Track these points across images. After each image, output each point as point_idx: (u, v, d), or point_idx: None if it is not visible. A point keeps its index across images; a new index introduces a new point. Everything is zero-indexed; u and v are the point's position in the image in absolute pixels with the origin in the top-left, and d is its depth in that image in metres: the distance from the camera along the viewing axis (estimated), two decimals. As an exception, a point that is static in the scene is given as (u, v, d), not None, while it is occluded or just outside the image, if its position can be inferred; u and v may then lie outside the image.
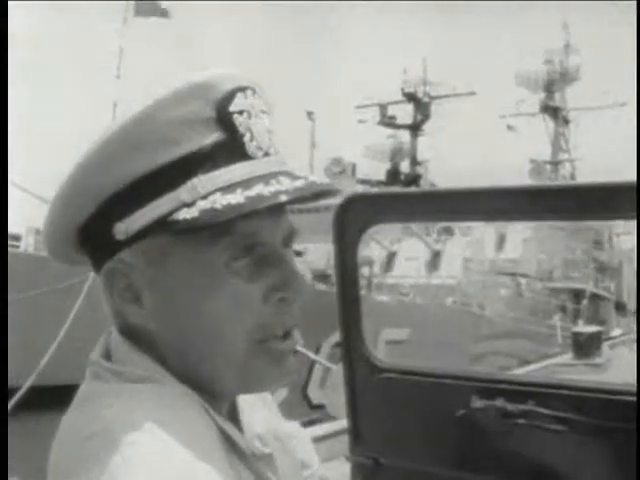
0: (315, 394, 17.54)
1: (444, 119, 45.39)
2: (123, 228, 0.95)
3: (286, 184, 0.95)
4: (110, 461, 0.84)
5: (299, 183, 0.96)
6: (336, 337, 2.56)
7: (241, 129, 0.96)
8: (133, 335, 0.99)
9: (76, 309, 11.63)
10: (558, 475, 2.07)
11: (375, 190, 22.44)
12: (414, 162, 43.82)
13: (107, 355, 1.00)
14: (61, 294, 12.32)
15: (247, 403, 1.12)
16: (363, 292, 2.59)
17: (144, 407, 0.90)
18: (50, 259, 1.07)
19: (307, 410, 16.22)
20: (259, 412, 1.14)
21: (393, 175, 42.46)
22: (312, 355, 12.04)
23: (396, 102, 44.86)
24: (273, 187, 0.94)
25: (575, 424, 2.01)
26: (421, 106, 44.46)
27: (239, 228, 0.95)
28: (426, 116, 44.63)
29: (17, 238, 16.49)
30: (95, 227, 0.98)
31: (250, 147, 0.97)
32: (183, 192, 0.93)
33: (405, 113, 45.00)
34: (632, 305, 34.76)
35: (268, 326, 0.98)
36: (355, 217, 2.29)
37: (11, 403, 9.87)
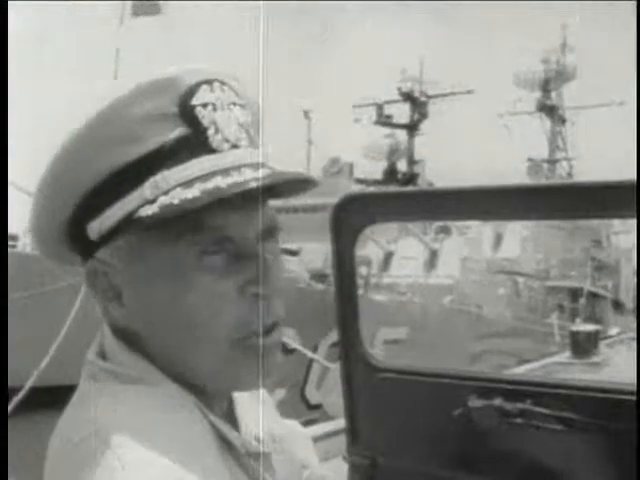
0: (312, 394, 17.52)
1: (441, 118, 45.42)
2: (96, 227, 0.95)
3: (247, 175, 0.94)
4: (105, 463, 0.84)
5: (262, 173, 0.95)
6: (333, 336, 2.55)
7: (204, 122, 0.95)
8: (123, 334, 0.99)
9: (76, 308, 11.63)
10: (556, 474, 2.07)
11: (372, 189, 22.44)
12: (411, 161, 43.79)
13: (102, 354, 1.00)
14: (60, 293, 12.31)
15: (244, 402, 1.11)
16: (360, 292, 2.60)
17: (138, 409, 0.90)
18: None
19: (305, 410, 16.21)
20: (256, 411, 1.14)
21: (390, 174, 42.43)
22: (310, 353, 12.04)
23: (393, 101, 44.85)
24: (231, 179, 0.93)
25: (573, 423, 2.01)
26: (418, 105, 44.43)
27: (207, 223, 0.94)
28: (423, 115, 44.60)
29: (14, 238, 16.48)
30: (73, 227, 0.98)
31: (214, 140, 0.96)
32: (147, 189, 0.93)
33: (402, 112, 45.01)
34: (630, 304, 34.79)
35: (246, 323, 0.96)
36: (352, 216, 2.29)
37: (12, 403, 9.87)
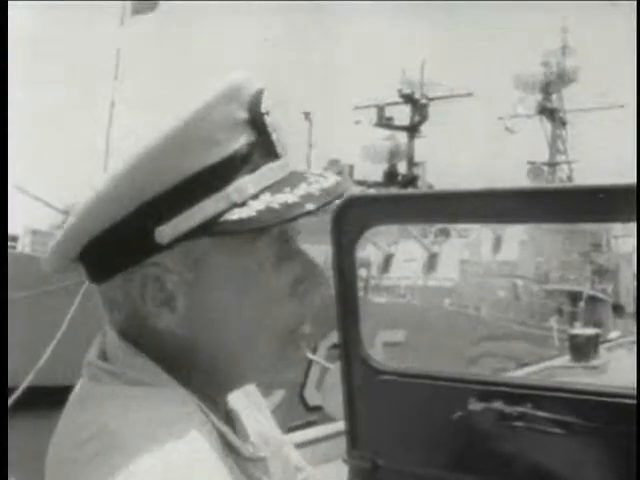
0: (312, 396, 17.50)
1: (442, 120, 45.47)
2: (167, 231, 0.93)
3: (324, 182, 0.99)
4: (109, 464, 0.84)
5: (332, 181, 1.00)
6: (332, 338, 2.55)
7: (269, 129, 0.98)
8: (132, 337, 0.99)
9: (73, 310, 11.63)
10: (556, 478, 2.07)
11: (373, 192, 22.45)
12: (411, 163, 43.81)
13: (103, 356, 1.00)
14: (58, 294, 12.32)
15: (239, 407, 1.12)
16: (360, 294, 2.58)
17: (143, 410, 0.90)
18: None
19: (304, 412, 16.19)
20: (251, 416, 1.15)
21: (390, 176, 42.44)
22: (310, 355, 12.03)
23: (394, 103, 44.87)
24: (318, 185, 0.98)
25: (573, 427, 2.01)
26: (418, 107, 44.45)
27: (276, 227, 0.97)
28: (423, 117, 44.63)
29: (14, 239, 16.50)
30: (128, 230, 0.95)
31: (278, 146, 0.99)
32: (233, 192, 0.94)
33: (403, 114, 45.03)
34: (629, 307, 34.75)
35: (297, 317, 1.01)
36: (353, 219, 2.29)
37: (9, 403, 9.86)
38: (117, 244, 0.96)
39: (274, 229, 0.97)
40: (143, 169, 0.93)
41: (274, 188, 0.95)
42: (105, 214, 0.95)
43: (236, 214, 0.93)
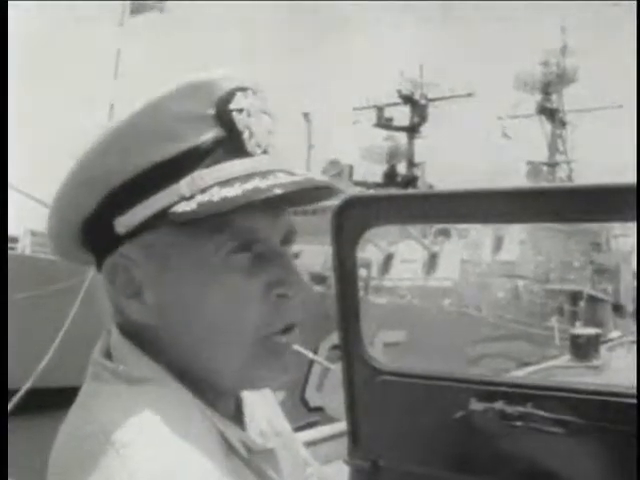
0: (312, 397, 17.51)
1: (441, 121, 45.54)
2: (125, 221, 0.96)
3: (283, 179, 0.96)
4: (106, 462, 0.85)
5: (296, 178, 0.98)
6: (333, 339, 2.55)
7: (240, 126, 0.98)
8: (134, 333, 1.00)
9: (74, 311, 11.63)
10: (557, 477, 2.06)
11: (373, 192, 22.44)
12: (411, 164, 43.89)
13: (108, 354, 1.00)
14: (59, 296, 12.32)
15: (249, 399, 1.12)
16: (360, 294, 2.58)
17: (141, 409, 0.90)
18: (47, 261, 1.07)
19: (305, 413, 16.20)
20: (260, 408, 1.15)
21: (390, 177, 42.52)
22: (311, 355, 12.03)
23: (393, 104, 44.93)
24: (270, 181, 0.95)
25: (573, 426, 2.01)
26: (418, 108, 44.52)
27: (237, 223, 0.96)
28: (423, 118, 44.70)
29: (14, 240, 16.50)
30: (97, 221, 0.98)
31: (249, 144, 0.98)
32: (183, 186, 0.94)
33: (402, 115, 45.09)
34: (630, 307, 34.75)
35: (268, 322, 0.99)
36: (353, 219, 2.28)
37: (9, 405, 9.87)
38: (92, 235, 1.00)
39: (234, 225, 0.96)
40: (96, 161, 0.95)
41: (226, 183, 0.94)
42: (71, 205, 0.99)
43: (182, 207, 0.93)
